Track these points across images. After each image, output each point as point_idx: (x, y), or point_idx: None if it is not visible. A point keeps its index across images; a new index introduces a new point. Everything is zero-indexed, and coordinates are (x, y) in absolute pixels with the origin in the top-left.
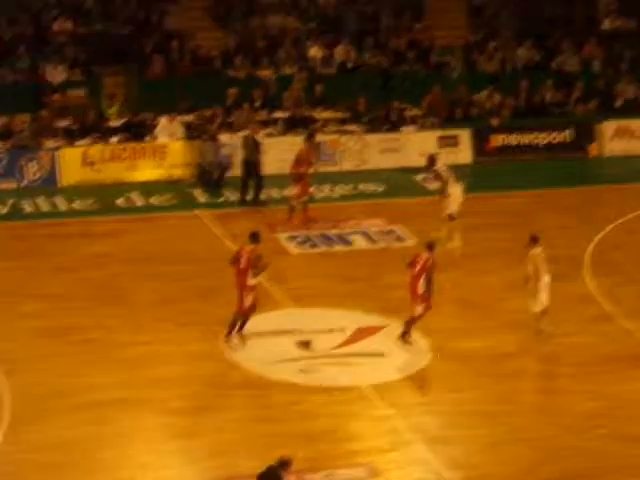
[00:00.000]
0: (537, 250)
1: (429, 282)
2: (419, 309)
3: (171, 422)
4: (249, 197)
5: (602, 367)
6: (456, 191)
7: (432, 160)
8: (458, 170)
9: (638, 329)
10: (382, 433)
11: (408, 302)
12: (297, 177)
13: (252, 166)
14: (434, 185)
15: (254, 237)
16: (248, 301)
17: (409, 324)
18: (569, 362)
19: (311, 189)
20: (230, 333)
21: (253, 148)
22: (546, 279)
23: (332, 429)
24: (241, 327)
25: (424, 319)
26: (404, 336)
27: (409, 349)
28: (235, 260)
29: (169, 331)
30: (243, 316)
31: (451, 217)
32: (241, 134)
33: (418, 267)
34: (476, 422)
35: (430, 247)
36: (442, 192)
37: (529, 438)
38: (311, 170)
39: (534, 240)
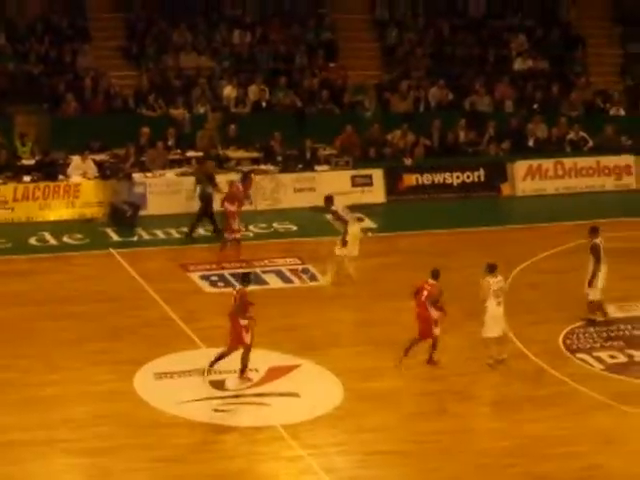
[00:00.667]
0: (492, 280)
1: (439, 305)
2: (437, 331)
3: (82, 463)
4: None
5: (515, 406)
6: (354, 230)
7: (329, 200)
8: (371, 209)
9: (550, 368)
10: (296, 473)
11: (414, 330)
12: (229, 214)
13: (204, 200)
14: (339, 225)
15: (243, 278)
16: (248, 338)
17: (432, 347)
18: (483, 401)
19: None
20: (243, 371)
21: (206, 182)
22: (491, 310)
23: (246, 469)
24: (243, 368)
25: (347, 359)
26: (430, 361)
27: (326, 388)
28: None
29: (81, 370)
30: (248, 352)
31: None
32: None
33: (425, 294)
34: (389, 461)
35: (435, 275)
36: (344, 232)
37: (442, 477)
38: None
39: (491, 269)
